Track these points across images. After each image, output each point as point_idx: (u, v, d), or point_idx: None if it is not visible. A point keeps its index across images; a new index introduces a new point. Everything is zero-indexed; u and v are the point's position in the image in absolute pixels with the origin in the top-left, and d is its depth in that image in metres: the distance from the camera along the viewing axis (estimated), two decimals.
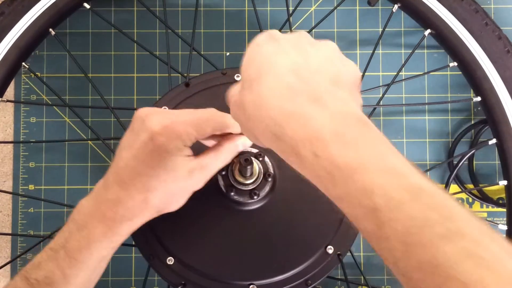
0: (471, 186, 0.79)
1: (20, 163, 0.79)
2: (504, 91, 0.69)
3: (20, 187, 0.78)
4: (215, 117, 0.55)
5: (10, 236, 0.78)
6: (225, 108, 0.66)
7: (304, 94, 0.40)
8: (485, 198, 0.78)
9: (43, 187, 0.78)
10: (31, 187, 0.78)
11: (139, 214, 0.54)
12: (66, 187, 0.78)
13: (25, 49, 0.69)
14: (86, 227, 0.53)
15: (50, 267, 0.52)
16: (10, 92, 0.79)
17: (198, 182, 0.55)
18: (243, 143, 0.57)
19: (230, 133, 0.56)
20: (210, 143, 0.58)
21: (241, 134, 0.56)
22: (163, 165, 0.52)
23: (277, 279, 0.63)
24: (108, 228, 0.53)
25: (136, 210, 0.53)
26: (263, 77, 0.41)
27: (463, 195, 0.80)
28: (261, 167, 0.62)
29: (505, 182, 0.69)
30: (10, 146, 0.79)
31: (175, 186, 0.53)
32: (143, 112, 0.53)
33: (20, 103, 0.79)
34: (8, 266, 0.76)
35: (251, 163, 0.59)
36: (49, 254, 0.53)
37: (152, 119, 0.52)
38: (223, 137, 0.57)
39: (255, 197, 0.61)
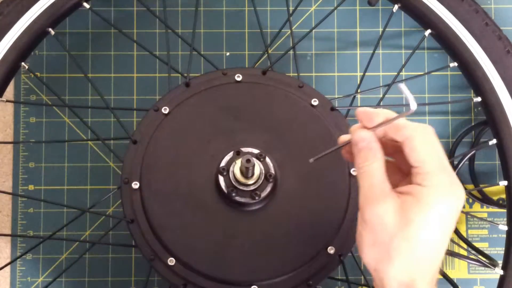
0: (471, 186, 0.79)
1: (19, 163, 0.78)
2: (504, 91, 0.69)
3: (20, 187, 0.78)
4: None
5: (10, 237, 0.78)
6: (225, 107, 0.66)
7: None
8: (485, 199, 0.78)
9: (42, 187, 0.78)
10: (31, 187, 0.78)
11: None
12: (65, 187, 0.78)
13: (24, 49, 0.69)
14: None
15: None
16: (9, 92, 0.79)
17: None
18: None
19: None
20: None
21: None
22: None
23: (278, 280, 0.63)
24: None
25: None
26: None
27: None
28: (263, 168, 0.62)
29: (505, 183, 0.69)
30: (10, 146, 0.79)
31: None
32: None
33: (19, 103, 0.79)
34: (8, 266, 0.75)
35: (253, 163, 0.59)
36: None
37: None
38: None
39: (257, 198, 0.61)
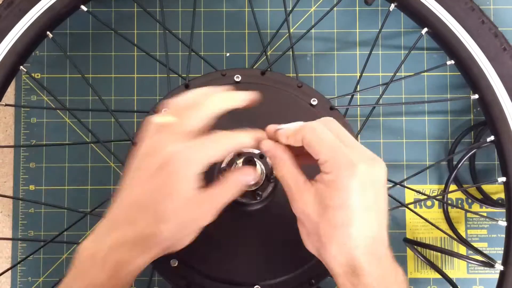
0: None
1: (20, 164, 0.79)
2: (501, 88, 0.70)
3: (21, 188, 0.78)
4: (229, 141, 0.52)
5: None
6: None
7: None
8: (484, 199, 0.78)
9: (43, 187, 0.78)
10: (32, 187, 0.78)
11: (147, 251, 0.50)
12: (66, 187, 0.78)
13: (22, 53, 0.69)
14: (88, 276, 0.49)
15: None
16: (10, 93, 0.79)
17: (208, 214, 0.52)
18: (245, 175, 0.55)
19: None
20: None
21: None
22: (175, 194, 0.49)
23: (280, 279, 0.63)
24: (110, 276, 0.49)
25: (144, 248, 0.50)
26: None
27: (462, 196, 0.80)
28: (264, 168, 0.62)
29: (504, 179, 0.70)
30: None
31: (186, 218, 0.50)
32: (153, 133, 0.51)
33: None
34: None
35: (254, 164, 0.59)
36: None
37: (165, 143, 0.50)
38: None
39: (258, 198, 0.61)
